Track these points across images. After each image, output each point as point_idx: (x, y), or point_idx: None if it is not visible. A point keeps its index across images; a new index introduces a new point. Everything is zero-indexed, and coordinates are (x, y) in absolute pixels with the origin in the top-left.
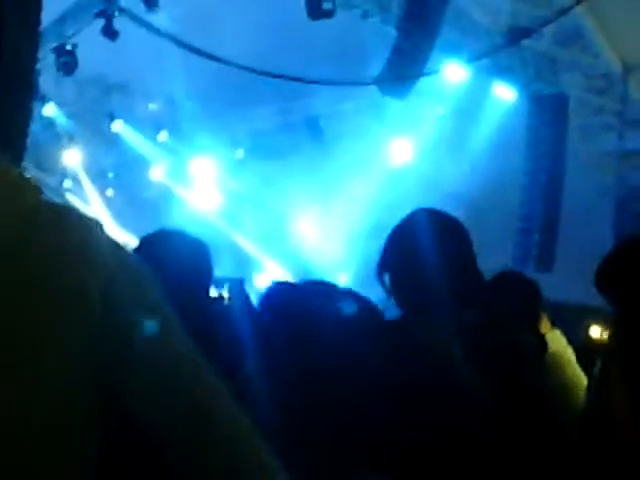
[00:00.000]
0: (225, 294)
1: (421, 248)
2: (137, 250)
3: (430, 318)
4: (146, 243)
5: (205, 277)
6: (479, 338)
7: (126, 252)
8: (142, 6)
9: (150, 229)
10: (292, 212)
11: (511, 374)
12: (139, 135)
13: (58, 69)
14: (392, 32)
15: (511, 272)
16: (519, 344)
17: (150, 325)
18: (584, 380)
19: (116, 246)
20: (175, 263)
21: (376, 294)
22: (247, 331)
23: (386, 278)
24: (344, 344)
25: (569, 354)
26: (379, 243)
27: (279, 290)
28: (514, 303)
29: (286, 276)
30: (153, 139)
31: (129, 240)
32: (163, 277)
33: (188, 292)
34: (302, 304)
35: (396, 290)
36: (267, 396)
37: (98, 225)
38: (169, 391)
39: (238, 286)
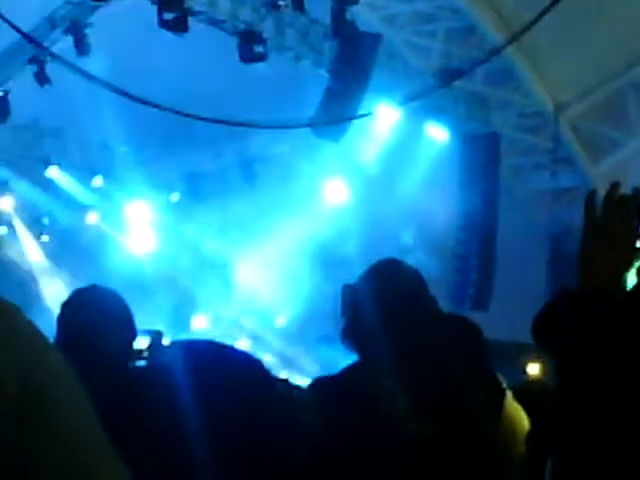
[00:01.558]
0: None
1: (370, 309)
2: (61, 313)
3: (378, 370)
4: (68, 303)
5: (128, 331)
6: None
7: (44, 343)
8: (74, 52)
9: (87, 274)
10: (229, 254)
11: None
12: (74, 180)
13: None
14: (325, 75)
15: (457, 317)
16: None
17: (61, 424)
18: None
19: (34, 336)
20: (95, 319)
21: (310, 336)
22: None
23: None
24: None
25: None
26: (317, 284)
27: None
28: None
29: (226, 318)
30: (88, 184)
31: (64, 286)
32: (81, 337)
33: (113, 350)
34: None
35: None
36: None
37: (17, 311)
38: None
39: (158, 338)
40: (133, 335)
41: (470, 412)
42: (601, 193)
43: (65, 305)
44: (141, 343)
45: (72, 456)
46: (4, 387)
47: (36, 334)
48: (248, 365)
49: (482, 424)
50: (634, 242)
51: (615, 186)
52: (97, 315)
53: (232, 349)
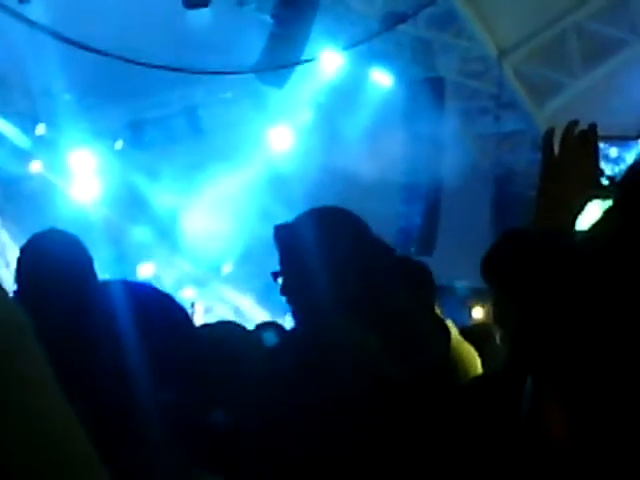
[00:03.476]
0: None
1: (309, 251)
2: (18, 260)
3: (326, 323)
4: (26, 249)
5: (86, 271)
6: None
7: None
8: None
9: (32, 223)
10: (174, 202)
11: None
12: (17, 129)
13: None
14: (268, 20)
15: (404, 258)
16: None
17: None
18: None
19: None
20: (54, 264)
21: (257, 284)
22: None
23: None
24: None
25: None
26: (261, 232)
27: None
28: (411, 291)
29: (171, 266)
30: (31, 132)
31: (10, 237)
32: (43, 279)
33: (70, 288)
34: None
35: (288, 295)
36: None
37: None
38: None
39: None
40: (95, 279)
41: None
42: (553, 127)
43: (23, 251)
44: None
45: (39, 438)
46: None
47: None
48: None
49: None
50: (595, 178)
51: (574, 123)
52: (58, 260)
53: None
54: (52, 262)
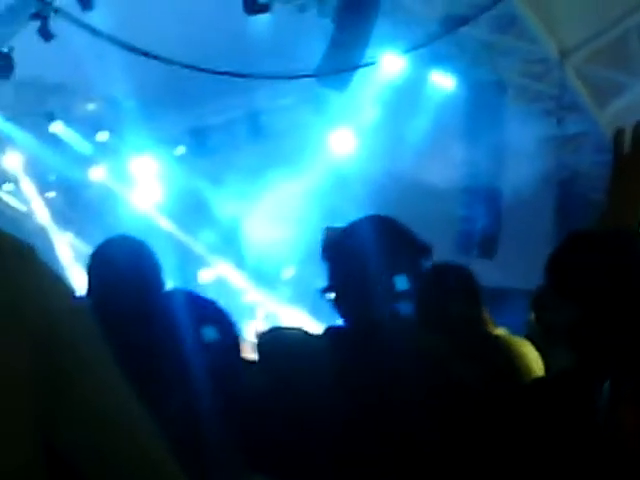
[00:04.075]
0: None
1: (361, 260)
2: (89, 266)
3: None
4: (96, 255)
5: (154, 279)
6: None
7: (61, 285)
8: (77, 6)
9: (93, 229)
10: (236, 208)
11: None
12: (79, 136)
13: None
14: (329, 24)
15: (447, 266)
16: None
17: (85, 368)
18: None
19: (52, 278)
20: (125, 272)
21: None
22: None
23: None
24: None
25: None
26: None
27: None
28: (457, 302)
29: (233, 272)
30: (93, 139)
31: (71, 242)
32: (114, 285)
33: (140, 295)
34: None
35: (340, 302)
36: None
37: (33, 251)
38: (97, 429)
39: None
40: (161, 286)
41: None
42: (623, 127)
43: (93, 257)
44: None
45: (101, 419)
46: (28, 327)
47: (59, 282)
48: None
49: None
50: None
51: None
52: (127, 268)
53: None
54: (121, 269)
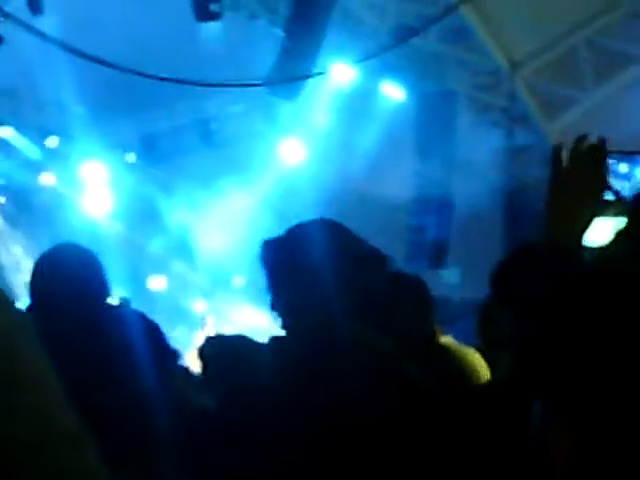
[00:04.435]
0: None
1: (308, 264)
2: (33, 274)
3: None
4: (41, 263)
5: (100, 288)
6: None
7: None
8: (27, 11)
9: (43, 234)
10: (187, 215)
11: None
12: (28, 141)
13: None
14: (279, 33)
15: (404, 276)
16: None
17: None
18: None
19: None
20: (69, 280)
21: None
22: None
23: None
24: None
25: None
26: None
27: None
28: (407, 311)
29: (183, 279)
30: (43, 145)
31: (21, 247)
32: (58, 294)
33: (85, 305)
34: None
35: (283, 307)
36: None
37: None
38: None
39: (127, 305)
40: (106, 295)
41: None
42: (561, 142)
43: (39, 264)
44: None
45: (43, 441)
46: None
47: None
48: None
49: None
50: (602, 194)
51: (582, 138)
52: (73, 276)
53: None
54: (67, 277)
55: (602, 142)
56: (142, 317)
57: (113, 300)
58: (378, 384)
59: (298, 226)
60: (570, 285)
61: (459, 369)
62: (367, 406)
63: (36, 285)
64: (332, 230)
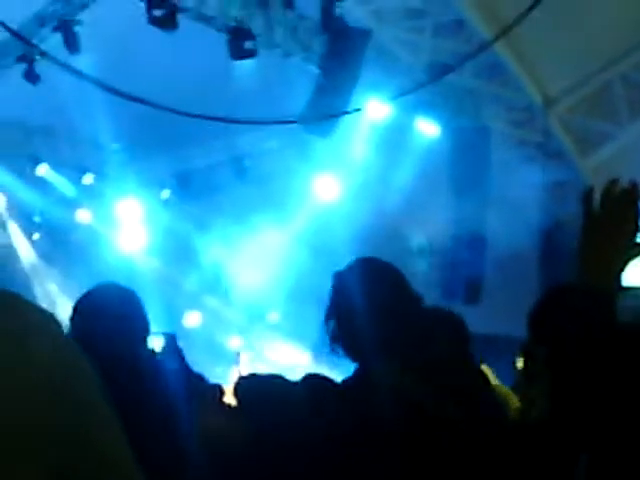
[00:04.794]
0: (157, 348)
1: (357, 299)
2: (74, 311)
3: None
4: (82, 301)
5: (140, 329)
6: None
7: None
8: (63, 48)
9: (78, 272)
10: (221, 252)
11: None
12: (64, 178)
13: None
14: (314, 70)
15: (441, 312)
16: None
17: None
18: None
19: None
20: (110, 320)
21: (305, 331)
22: (181, 388)
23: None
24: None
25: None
26: (306, 281)
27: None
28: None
29: (218, 316)
30: (78, 182)
31: (56, 285)
32: (99, 334)
33: (125, 346)
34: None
35: (338, 338)
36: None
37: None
38: None
39: (171, 341)
40: (146, 335)
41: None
42: (592, 186)
43: (80, 303)
44: (155, 344)
45: (117, 473)
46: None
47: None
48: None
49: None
50: (633, 237)
51: (614, 182)
52: (112, 315)
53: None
54: (108, 316)
55: (633, 186)
56: (181, 368)
57: (158, 336)
58: (409, 427)
59: (356, 261)
60: (603, 330)
61: (502, 408)
62: (398, 449)
63: (76, 324)
64: (383, 267)
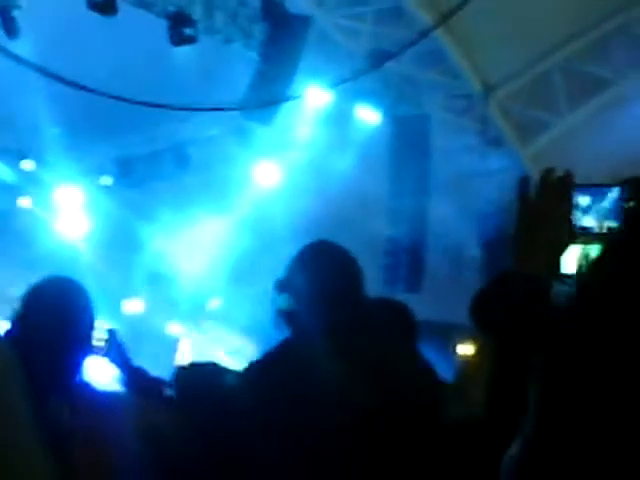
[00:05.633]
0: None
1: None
2: (21, 304)
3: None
4: (29, 297)
5: (85, 322)
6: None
7: None
8: (2, 34)
9: (20, 258)
10: (162, 239)
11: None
12: (4, 164)
13: None
14: (255, 57)
15: (385, 300)
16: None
17: None
18: None
19: None
20: (53, 311)
21: (244, 315)
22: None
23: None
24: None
25: None
26: (248, 267)
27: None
28: (394, 329)
29: (158, 303)
30: (18, 168)
31: None
32: (45, 331)
33: (64, 337)
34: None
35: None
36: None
37: None
38: None
39: (113, 336)
40: (90, 329)
41: (403, 381)
42: (531, 173)
43: (25, 298)
44: (98, 338)
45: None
46: None
47: None
48: None
49: (414, 391)
50: (569, 225)
51: (550, 170)
52: (60, 310)
53: None
54: (51, 308)
55: (569, 175)
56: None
57: (99, 332)
58: (344, 416)
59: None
60: (539, 318)
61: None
62: (334, 437)
63: (24, 319)
64: (332, 250)
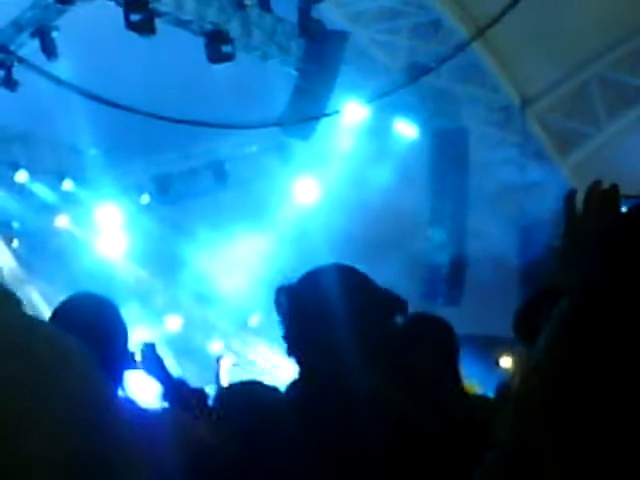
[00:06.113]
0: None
1: (324, 310)
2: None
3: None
4: (59, 312)
5: (120, 337)
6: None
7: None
8: (41, 54)
9: (58, 278)
10: (201, 256)
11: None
12: (43, 184)
13: None
14: (293, 73)
15: (423, 316)
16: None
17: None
18: None
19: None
20: (88, 332)
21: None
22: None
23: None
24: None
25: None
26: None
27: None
28: (430, 357)
29: (198, 320)
30: (58, 188)
31: (36, 291)
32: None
33: (105, 357)
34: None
35: (300, 353)
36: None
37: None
38: None
39: (151, 350)
40: (125, 345)
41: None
42: (572, 185)
43: (55, 314)
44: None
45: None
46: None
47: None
48: None
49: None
50: None
51: (596, 183)
52: (90, 326)
53: None
54: (82, 329)
55: (614, 188)
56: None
57: (137, 346)
58: (390, 438)
59: (312, 272)
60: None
61: (476, 420)
62: (378, 462)
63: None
64: (345, 275)
